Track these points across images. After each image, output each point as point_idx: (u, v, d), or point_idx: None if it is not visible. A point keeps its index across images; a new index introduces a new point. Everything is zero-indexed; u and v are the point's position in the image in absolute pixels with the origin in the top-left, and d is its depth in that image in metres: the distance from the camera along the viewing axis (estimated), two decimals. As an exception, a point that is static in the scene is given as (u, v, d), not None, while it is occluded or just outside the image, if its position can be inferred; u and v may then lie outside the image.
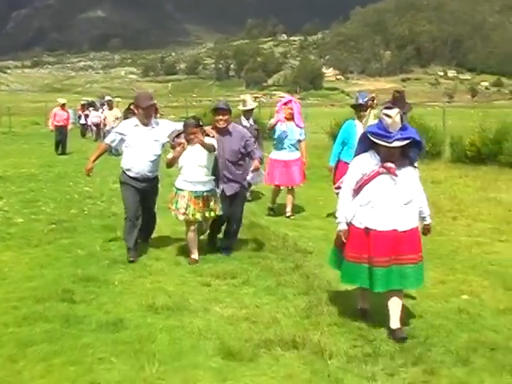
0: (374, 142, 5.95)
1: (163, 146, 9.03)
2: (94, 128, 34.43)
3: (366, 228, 6.03)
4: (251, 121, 12.89)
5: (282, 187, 12.42)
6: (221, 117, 8.82)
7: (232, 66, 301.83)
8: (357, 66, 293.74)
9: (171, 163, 8.61)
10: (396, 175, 5.94)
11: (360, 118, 11.18)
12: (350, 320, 6.34)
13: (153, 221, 9.49)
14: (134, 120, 8.89)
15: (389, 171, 5.94)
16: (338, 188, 7.05)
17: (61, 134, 26.02)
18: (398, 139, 5.83)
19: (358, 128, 10.92)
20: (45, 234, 10.31)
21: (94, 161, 9.07)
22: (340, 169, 11.35)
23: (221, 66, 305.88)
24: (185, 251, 9.04)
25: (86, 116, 35.34)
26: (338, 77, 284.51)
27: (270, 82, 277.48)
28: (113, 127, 23.44)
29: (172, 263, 8.59)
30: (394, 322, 6.01)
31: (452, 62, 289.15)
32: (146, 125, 8.77)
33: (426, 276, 7.92)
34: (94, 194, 14.57)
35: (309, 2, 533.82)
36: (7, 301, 6.96)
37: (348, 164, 10.58)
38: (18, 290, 7.32)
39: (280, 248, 9.34)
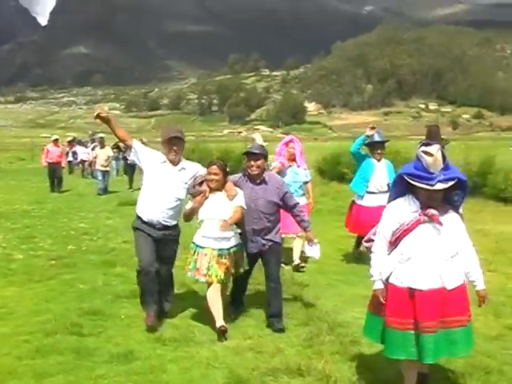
0: (412, 185, 5.14)
1: (189, 190, 7.63)
2: (81, 165, 34.47)
3: (410, 288, 5.15)
4: None
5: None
6: (252, 162, 7.60)
7: (215, 101, 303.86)
8: (339, 99, 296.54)
9: (190, 215, 7.40)
10: (441, 224, 5.14)
11: (375, 156, 10.96)
12: (351, 348, 6.64)
13: (169, 284, 7.98)
14: (161, 155, 7.50)
15: (432, 219, 5.14)
16: (369, 241, 5.92)
17: (54, 171, 25.29)
18: (440, 181, 5.05)
19: (377, 167, 10.88)
20: (45, 270, 10.50)
21: (111, 125, 7.30)
22: (353, 208, 11.37)
23: (204, 101, 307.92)
24: (187, 285, 9.29)
25: (74, 153, 35.38)
26: (321, 111, 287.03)
27: (252, 116, 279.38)
28: (103, 166, 23.68)
29: (176, 298, 8.79)
30: None
31: (433, 94, 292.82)
32: (174, 164, 7.42)
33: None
34: (90, 230, 14.75)
35: (290, 37, 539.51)
36: (18, 334, 7.17)
37: (361, 205, 11.01)
38: (27, 324, 7.53)
39: (277, 281, 9.57)
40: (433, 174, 5.03)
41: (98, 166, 24.23)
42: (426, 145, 5.16)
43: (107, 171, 24.45)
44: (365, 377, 5.90)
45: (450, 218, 5.24)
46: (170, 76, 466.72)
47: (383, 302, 5.28)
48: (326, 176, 25.95)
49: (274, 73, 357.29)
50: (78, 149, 34.97)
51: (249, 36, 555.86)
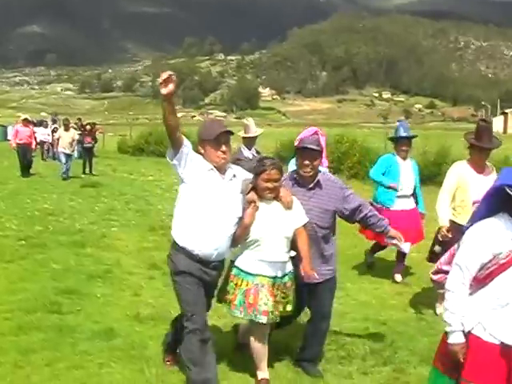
0: None
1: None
2: (41, 147, 33.19)
3: (503, 344, 3.76)
4: (253, 151, 9.89)
5: None
6: (307, 162, 5.60)
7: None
8: (293, 86, 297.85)
9: (242, 235, 5.31)
10: None
11: (400, 153, 9.37)
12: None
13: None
14: (204, 161, 5.16)
15: None
16: (439, 272, 4.46)
17: (24, 152, 23.55)
18: None
19: (403, 167, 9.32)
20: (16, 250, 10.59)
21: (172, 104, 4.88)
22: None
23: (158, 83, 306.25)
24: (157, 265, 9.60)
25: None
26: (275, 97, 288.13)
27: (206, 100, 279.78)
28: (68, 149, 23.13)
29: (146, 277, 9.09)
30: None
31: (386, 83, 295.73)
32: (223, 171, 5.22)
33: (385, 289, 8.76)
34: (55, 210, 14.89)
35: (246, 21, 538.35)
36: (-3, 312, 7.32)
37: (388, 209, 9.15)
38: (5, 303, 7.64)
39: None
40: None
41: (60, 149, 23.31)
42: None
43: (71, 155, 23.43)
44: (337, 353, 6.30)
45: None
46: (124, 58, 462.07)
47: (462, 360, 3.85)
48: (284, 162, 26.31)
49: (229, 57, 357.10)
50: (37, 129, 34.00)
51: (205, 19, 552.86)
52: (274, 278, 5.30)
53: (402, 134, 9.31)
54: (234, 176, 5.27)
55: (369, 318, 7.47)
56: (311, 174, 5.60)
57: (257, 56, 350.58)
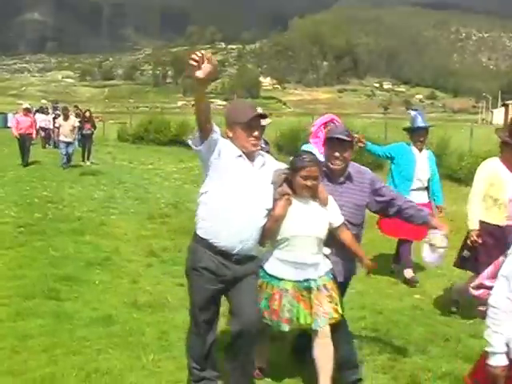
0: None
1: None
2: (42, 133, 32.88)
3: None
4: (262, 141, 7.84)
5: None
6: (337, 153, 5.14)
7: (170, 72, 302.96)
8: (294, 75, 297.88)
9: (271, 229, 4.80)
10: None
11: (417, 144, 8.72)
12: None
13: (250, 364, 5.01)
14: (233, 147, 4.65)
15: None
16: (480, 287, 3.93)
17: (24, 142, 23.00)
18: None
19: (418, 158, 8.73)
20: (15, 237, 10.64)
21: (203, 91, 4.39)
22: None
23: (158, 72, 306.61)
24: (155, 253, 9.73)
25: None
26: (275, 86, 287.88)
27: (207, 89, 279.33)
28: (68, 137, 23.05)
29: (144, 265, 9.13)
30: None
31: (387, 74, 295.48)
32: (253, 158, 4.74)
33: (382, 278, 8.79)
34: (54, 198, 14.90)
35: (248, 10, 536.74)
36: (-5, 298, 7.35)
37: None
38: (4, 289, 7.68)
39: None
40: None
41: (61, 137, 23.16)
42: None
43: (71, 143, 23.24)
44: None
45: None
46: (125, 46, 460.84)
47: None
48: (283, 151, 26.37)
49: (230, 46, 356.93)
50: (38, 116, 33.58)
51: (206, 8, 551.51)
52: (307, 280, 4.83)
53: (420, 124, 8.69)
54: (264, 165, 4.78)
55: (365, 307, 7.48)
56: (341, 166, 5.14)
57: (258, 45, 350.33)
